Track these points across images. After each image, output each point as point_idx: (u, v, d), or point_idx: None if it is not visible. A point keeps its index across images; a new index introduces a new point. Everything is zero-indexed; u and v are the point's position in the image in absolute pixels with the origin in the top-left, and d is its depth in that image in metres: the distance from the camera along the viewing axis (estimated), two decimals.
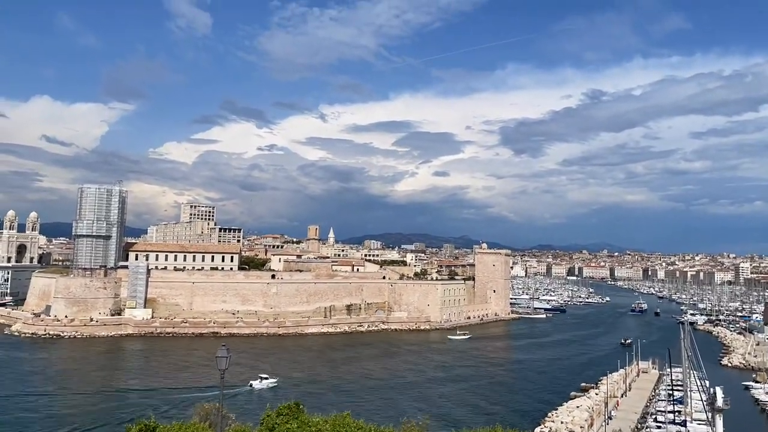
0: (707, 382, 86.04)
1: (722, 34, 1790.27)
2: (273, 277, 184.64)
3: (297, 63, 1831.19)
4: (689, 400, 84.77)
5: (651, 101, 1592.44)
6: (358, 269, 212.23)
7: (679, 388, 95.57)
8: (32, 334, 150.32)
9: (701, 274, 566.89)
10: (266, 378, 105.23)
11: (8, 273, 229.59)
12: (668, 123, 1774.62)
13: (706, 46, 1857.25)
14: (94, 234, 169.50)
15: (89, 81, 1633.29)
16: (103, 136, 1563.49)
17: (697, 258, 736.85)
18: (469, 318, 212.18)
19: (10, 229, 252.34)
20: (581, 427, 75.85)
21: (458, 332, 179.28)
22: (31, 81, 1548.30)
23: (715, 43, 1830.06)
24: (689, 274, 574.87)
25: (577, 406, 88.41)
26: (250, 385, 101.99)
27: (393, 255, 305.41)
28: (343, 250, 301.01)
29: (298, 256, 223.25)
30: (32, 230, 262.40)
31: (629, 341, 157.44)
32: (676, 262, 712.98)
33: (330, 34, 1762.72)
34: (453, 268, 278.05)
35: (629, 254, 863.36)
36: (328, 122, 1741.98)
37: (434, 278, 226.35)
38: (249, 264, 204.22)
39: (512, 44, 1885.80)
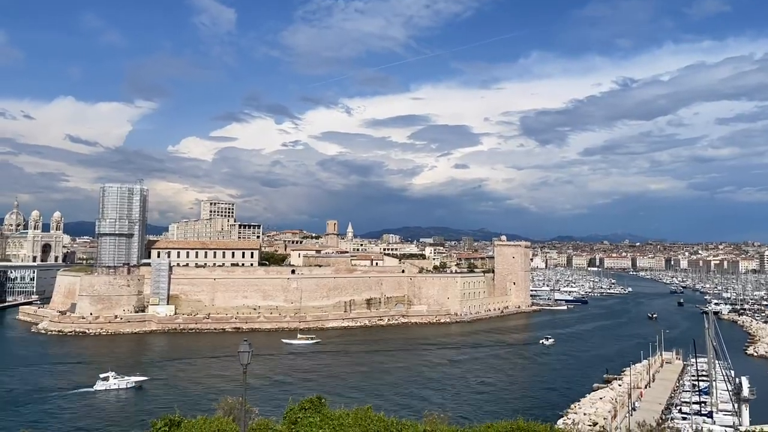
0: (732, 372, 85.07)
1: (756, 15, 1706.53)
2: (293, 272, 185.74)
3: (322, 56, 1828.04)
4: (714, 391, 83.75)
5: (679, 87, 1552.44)
6: (377, 263, 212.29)
7: (704, 378, 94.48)
8: (58, 331, 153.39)
9: (725, 263, 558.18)
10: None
11: (34, 272, 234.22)
12: (695, 109, 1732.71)
13: (739, 29, 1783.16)
14: (116, 232, 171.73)
15: (113, 80, 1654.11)
16: (127, 135, 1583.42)
17: (720, 247, 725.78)
18: (489, 310, 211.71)
19: (34, 228, 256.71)
20: (604, 418, 75.40)
21: (299, 335, 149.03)
22: (55, 81, 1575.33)
23: (749, 25, 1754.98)
24: (713, 263, 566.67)
25: (601, 398, 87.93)
26: None
27: (412, 249, 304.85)
28: (362, 245, 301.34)
29: (318, 251, 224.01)
30: (56, 230, 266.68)
31: (655, 315, 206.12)
32: (700, 251, 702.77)
33: (357, 26, 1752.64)
34: (472, 260, 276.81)
35: (651, 244, 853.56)
36: (353, 116, 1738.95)
37: (453, 271, 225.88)
38: (269, 260, 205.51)
39: (536, 33, 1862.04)
